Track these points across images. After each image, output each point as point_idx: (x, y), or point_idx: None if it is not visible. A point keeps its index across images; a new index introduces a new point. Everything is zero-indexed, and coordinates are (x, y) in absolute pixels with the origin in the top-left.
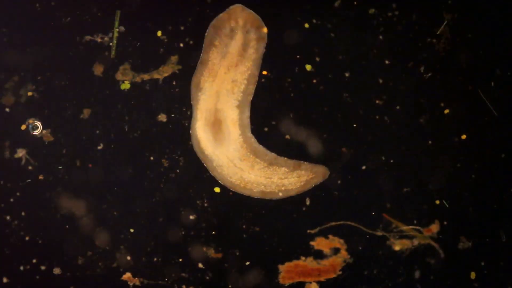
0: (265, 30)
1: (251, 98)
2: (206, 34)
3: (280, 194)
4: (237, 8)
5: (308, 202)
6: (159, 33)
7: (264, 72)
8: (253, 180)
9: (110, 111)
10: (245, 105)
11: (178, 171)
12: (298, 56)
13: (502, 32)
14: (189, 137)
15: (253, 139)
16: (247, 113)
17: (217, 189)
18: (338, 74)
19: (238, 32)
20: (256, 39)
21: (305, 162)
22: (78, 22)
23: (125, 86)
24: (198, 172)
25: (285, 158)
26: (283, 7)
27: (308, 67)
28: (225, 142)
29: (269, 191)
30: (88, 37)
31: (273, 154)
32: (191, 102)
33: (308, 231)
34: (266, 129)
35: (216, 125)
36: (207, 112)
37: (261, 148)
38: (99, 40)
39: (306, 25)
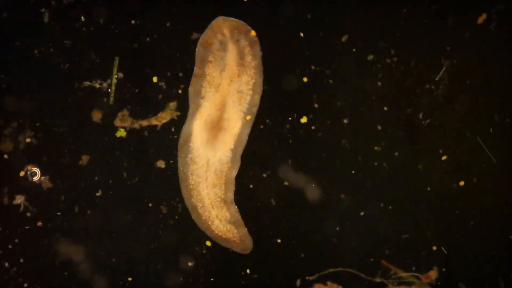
0: (253, 33)
1: (256, 111)
2: (196, 53)
3: (202, 225)
4: (218, 21)
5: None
6: (154, 79)
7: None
8: (201, 194)
9: (109, 157)
10: (249, 120)
11: (176, 217)
12: (296, 103)
13: (501, 79)
14: None
15: (237, 165)
16: (248, 130)
17: (208, 243)
18: (337, 121)
19: (229, 43)
20: (249, 45)
21: (245, 228)
22: (76, 69)
23: (121, 133)
24: None
25: (236, 209)
26: (281, 53)
27: (304, 119)
28: (216, 147)
29: (200, 212)
30: (86, 83)
31: (231, 196)
32: (189, 104)
33: (307, 277)
34: (264, 175)
35: (214, 131)
36: (210, 116)
37: (233, 182)
38: (97, 86)
39: (305, 79)
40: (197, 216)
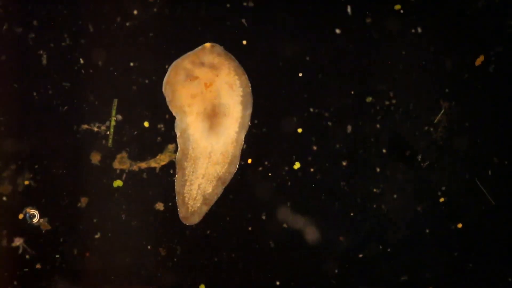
0: (207, 45)
1: (250, 90)
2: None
3: (177, 180)
4: (177, 63)
5: None
6: (146, 124)
7: (249, 161)
8: (197, 165)
9: (108, 199)
10: (248, 100)
11: (175, 259)
12: (294, 145)
13: (500, 121)
14: (186, 225)
15: (241, 142)
16: (249, 110)
17: (202, 287)
18: (335, 163)
19: (196, 70)
20: (210, 54)
21: (208, 208)
22: (75, 111)
23: (118, 183)
24: (196, 261)
25: (219, 192)
26: (279, 95)
27: (297, 165)
28: (219, 134)
29: (186, 173)
30: (85, 126)
31: (229, 177)
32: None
33: None
34: (263, 217)
35: (215, 118)
36: (204, 108)
37: (236, 162)
38: (95, 129)
39: (300, 130)
40: (180, 174)
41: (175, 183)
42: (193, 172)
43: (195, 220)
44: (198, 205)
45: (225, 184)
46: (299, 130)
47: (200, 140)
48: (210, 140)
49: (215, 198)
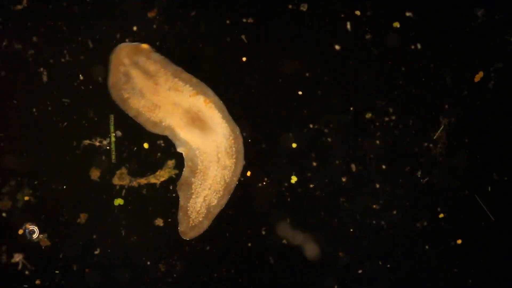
0: (144, 46)
1: (198, 79)
2: (113, 97)
3: (183, 192)
4: (117, 51)
5: None
6: (145, 146)
7: (248, 173)
8: (207, 175)
9: (107, 215)
10: (202, 87)
11: (175, 275)
12: (294, 161)
13: (499, 137)
14: (186, 241)
15: (238, 132)
16: (213, 96)
17: None
18: (335, 179)
19: (131, 71)
20: (145, 59)
21: (208, 224)
22: (75, 127)
23: (119, 201)
24: (195, 277)
25: (223, 204)
26: (279, 112)
27: (294, 179)
28: (213, 126)
29: (192, 186)
30: (86, 142)
31: (236, 181)
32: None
33: None
34: (263, 232)
35: (196, 118)
36: (184, 117)
37: (241, 164)
38: (97, 144)
39: (294, 145)
40: (186, 189)
41: (180, 198)
42: (200, 184)
43: (194, 234)
44: (200, 219)
45: (230, 193)
46: (299, 147)
47: (205, 146)
48: (212, 138)
49: (218, 211)
